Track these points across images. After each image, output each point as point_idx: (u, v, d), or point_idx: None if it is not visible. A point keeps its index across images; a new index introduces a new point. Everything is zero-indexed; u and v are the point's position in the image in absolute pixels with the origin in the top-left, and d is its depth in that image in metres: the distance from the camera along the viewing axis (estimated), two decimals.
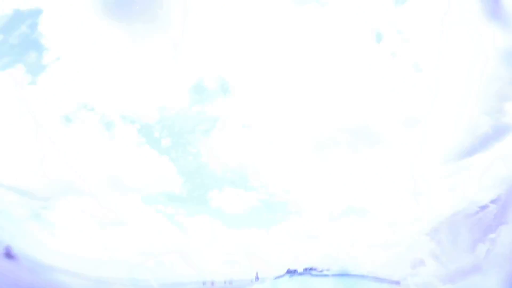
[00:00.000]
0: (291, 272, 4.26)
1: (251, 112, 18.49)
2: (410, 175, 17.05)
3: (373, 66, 19.00)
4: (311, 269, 4.14)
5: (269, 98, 18.52)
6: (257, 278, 11.69)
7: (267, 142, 18.32)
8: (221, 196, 17.58)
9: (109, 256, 14.69)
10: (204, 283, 13.07)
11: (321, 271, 3.92)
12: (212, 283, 12.67)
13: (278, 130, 18.46)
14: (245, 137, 18.22)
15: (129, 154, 17.46)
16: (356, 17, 19.12)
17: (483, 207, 13.74)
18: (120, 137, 17.58)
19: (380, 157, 18.06)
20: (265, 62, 18.49)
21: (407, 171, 17.12)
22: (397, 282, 9.74)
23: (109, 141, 17.28)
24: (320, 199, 17.25)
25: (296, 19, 18.76)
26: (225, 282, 12.75)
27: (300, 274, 3.91)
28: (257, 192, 17.43)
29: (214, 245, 16.10)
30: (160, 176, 17.71)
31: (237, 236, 16.09)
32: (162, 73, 18.01)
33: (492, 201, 13.77)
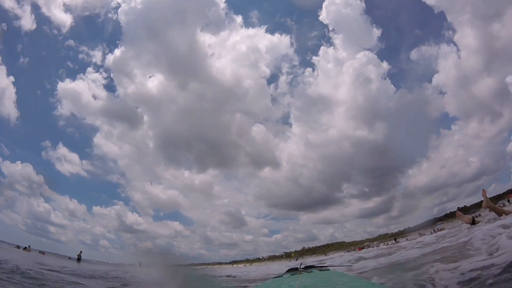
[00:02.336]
0: (291, 271, 4.17)
1: None
2: None
3: None
4: (311, 267, 4.04)
5: None
6: None
7: None
8: None
9: None
10: None
11: (321, 269, 3.82)
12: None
13: None
14: None
15: None
16: None
17: None
18: None
19: None
20: None
21: None
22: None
23: None
24: None
25: None
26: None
27: (301, 272, 3.81)
28: None
29: None
30: None
31: None
32: None
33: None
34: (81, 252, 26.89)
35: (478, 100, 59.85)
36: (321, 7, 71.23)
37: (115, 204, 67.29)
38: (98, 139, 67.22)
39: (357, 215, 77.54)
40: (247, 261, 60.06)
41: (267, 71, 70.13)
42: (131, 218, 64.49)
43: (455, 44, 59.86)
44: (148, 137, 70.17)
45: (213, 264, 54.10)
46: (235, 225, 77.29)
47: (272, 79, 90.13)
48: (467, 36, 58.86)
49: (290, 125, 72.71)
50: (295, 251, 58.82)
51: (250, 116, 76.74)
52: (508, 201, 40.28)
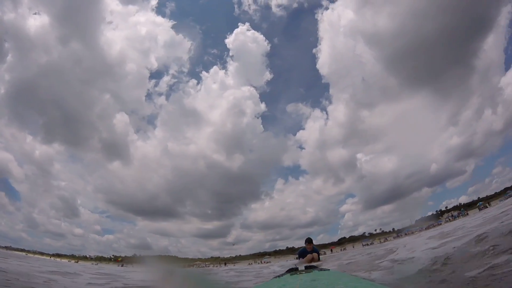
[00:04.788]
0: (291, 271, 4.19)
1: None
2: None
3: None
4: (311, 267, 4.06)
5: None
6: None
7: None
8: None
9: None
10: None
11: (321, 269, 3.83)
12: None
13: None
14: None
15: None
16: None
17: None
18: None
19: None
20: None
21: None
22: None
23: None
24: None
25: None
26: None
27: (301, 272, 3.82)
28: None
29: None
30: None
31: None
32: None
33: None
34: None
35: (328, 163, 69.90)
36: (232, 32, 72.71)
37: None
38: None
39: (194, 233, 78.35)
40: (73, 257, 50.65)
41: (154, 65, 67.54)
42: None
43: (326, 113, 73.36)
44: (3, 80, 57.47)
45: (34, 252, 46.10)
46: (66, 214, 66.29)
47: (156, 75, 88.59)
48: (338, 110, 70.81)
49: (155, 126, 70.75)
50: (125, 256, 51.60)
51: (118, 101, 70.08)
52: (331, 251, 45.58)
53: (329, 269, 4.11)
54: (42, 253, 47.78)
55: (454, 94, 59.87)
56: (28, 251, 46.00)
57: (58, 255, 49.58)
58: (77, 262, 45.61)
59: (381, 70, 63.50)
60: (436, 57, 54.73)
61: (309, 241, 5.91)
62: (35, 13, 56.43)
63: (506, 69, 57.17)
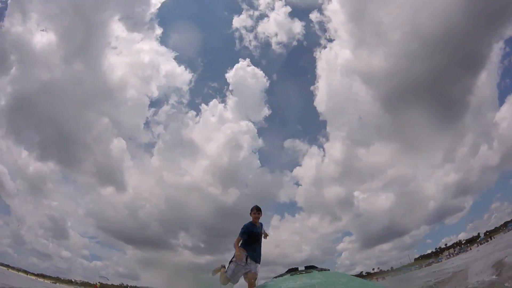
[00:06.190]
0: (291, 271, 4.17)
1: None
2: None
3: None
4: (311, 267, 4.05)
5: None
6: None
7: None
8: None
9: None
10: None
11: (321, 270, 3.79)
12: None
13: None
14: None
15: None
16: None
17: None
18: None
19: None
20: None
21: None
22: None
23: None
24: None
25: None
26: None
27: (301, 273, 3.81)
28: None
29: None
30: None
31: None
32: None
33: None
34: None
35: (324, 201, 66.69)
36: (232, 66, 69.95)
37: None
38: None
39: (186, 267, 76.22)
40: (58, 279, 50.44)
41: (155, 93, 64.52)
42: None
43: (323, 150, 67.92)
44: (4, 91, 56.30)
45: (18, 270, 45.74)
46: (55, 235, 63.50)
47: (156, 103, 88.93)
48: (335, 148, 67.83)
49: (151, 154, 66.95)
50: (112, 284, 50.14)
51: (117, 126, 67.86)
52: None
53: (328, 269, 4.13)
54: (26, 272, 47.85)
55: (450, 131, 60.35)
56: (13, 268, 45.96)
57: (43, 276, 49.61)
58: (55, 283, 45.99)
59: (377, 108, 63.51)
60: (430, 95, 55.71)
61: (258, 208, 4.66)
62: (42, 30, 57.03)
63: (500, 104, 57.25)
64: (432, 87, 54.52)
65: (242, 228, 4.54)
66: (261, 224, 4.76)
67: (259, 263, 4.55)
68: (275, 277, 4.38)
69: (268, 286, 4.02)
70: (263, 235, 4.73)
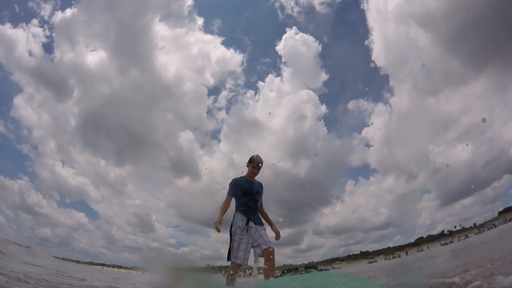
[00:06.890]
0: (291, 271, 4.17)
1: None
2: None
3: None
4: (312, 267, 4.05)
5: None
6: None
7: None
8: None
9: None
10: None
11: (321, 270, 3.80)
12: None
13: None
14: None
15: None
16: None
17: None
18: None
19: None
20: None
21: None
22: None
23: None
24: None
25: None
26: None
27: (301, 273, 3.81)
28: None
29: None
30: None
31: None
32: None
33: None
34: None
35: (398, 160, 66.76)
36: (280, 38, 71.26)
37: (20, 178, 60.65)
38: (18, 100, 60.13)
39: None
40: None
41: (211, 81, 69.07)
42: (34, 197, 58.24)
43: (390, 106, 66.14)
44: (72, 113, 64.21)
45: (113, 266, 49.24)
46: (142, 229, 71.93)
47: (214, 91, 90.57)
48: (403, 102, 65.19)
49: (218, 140, 71.18)
50: (199, 266, 56.14)
51: (181, 120, 74.17)
52: (406, 253, 41.95)
53: (329, 269, 4.11)
54: (120, 266, 51.90)
55: None
56: (108, 265, 49.91)
57: (136, 268, 53.01)
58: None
59: (440, 53, 59.76)
60: (499, 29, 49.58)
61: (259, 161, 3.34)
62: (92, 50, 61.11)
63: None
64: (501, 18, 47.99)
65: (230, 184, 3.34)
66: (260, 185, 3.50)
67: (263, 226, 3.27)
68: (275, 277, 4.37)
69: (268, 286, 3.99)
70: (275, 235, 3.48)
